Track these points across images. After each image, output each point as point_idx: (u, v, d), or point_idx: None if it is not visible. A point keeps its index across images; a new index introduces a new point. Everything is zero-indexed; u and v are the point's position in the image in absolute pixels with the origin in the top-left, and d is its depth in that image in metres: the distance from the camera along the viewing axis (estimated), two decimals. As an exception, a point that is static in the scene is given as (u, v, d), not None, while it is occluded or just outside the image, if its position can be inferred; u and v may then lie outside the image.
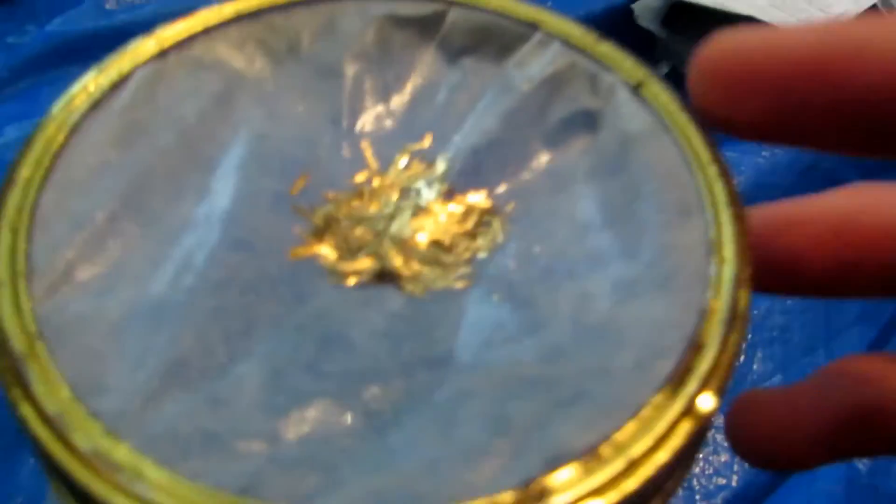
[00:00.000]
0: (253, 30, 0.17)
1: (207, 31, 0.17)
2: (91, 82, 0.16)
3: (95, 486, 0.11)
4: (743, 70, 0.11)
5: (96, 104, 0.15)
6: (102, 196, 0.14)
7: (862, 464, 0.37)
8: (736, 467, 0.38)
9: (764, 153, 0.46)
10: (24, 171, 0.14)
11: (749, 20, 0.45)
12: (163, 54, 0.17)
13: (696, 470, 0.38)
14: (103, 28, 0.52)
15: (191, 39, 0.17)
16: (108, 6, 0.53)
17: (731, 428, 0.17)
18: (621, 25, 0.51)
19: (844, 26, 0.11)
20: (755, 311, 0.40)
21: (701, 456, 0.38)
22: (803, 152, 0.44)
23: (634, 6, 0.52)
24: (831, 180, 0.48)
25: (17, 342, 0.12)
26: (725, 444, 0.38)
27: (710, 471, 0.38)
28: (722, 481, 0.38)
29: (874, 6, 0.49)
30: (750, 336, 0.40)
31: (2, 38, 0.54)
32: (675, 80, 0.17)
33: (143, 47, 0.17)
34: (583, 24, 0.18)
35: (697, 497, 0.37)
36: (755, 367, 0.41)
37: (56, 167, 0.14)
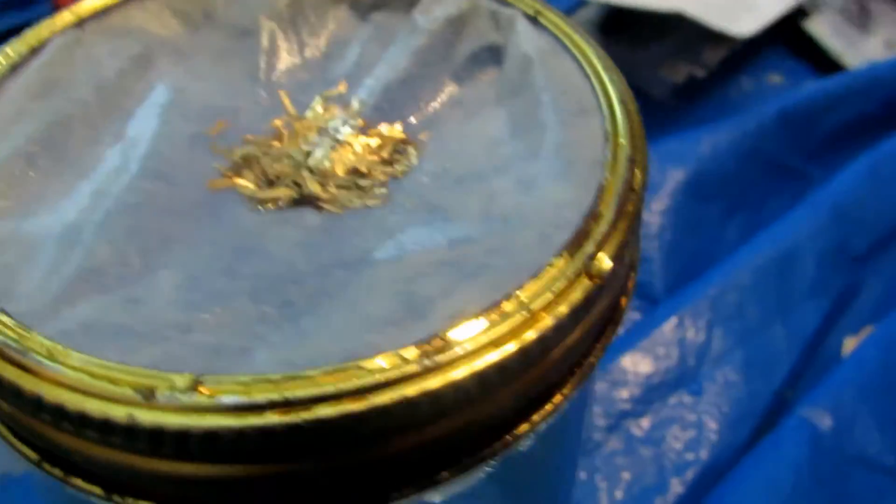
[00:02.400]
0: (169, 0, 0.18)
1: (125, 3, 0.18)
2: (9, 48, 0.16)
3: (6, 371, 0.11)
4: None
5: (14, 67, 0.16)
6: (22, 139, 0.15)
7: (825, 426, 0.37)
8: (704, 441, 0.39)
9: (705, 141, 0.47)
10: (-57, 123, 0.15)
11: (677, 18, 0.47)
12: (80, 24, 0.17)
13: (665, 446, 0.38)
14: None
15: (108, 10, 0.18)
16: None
17: None
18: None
19: None
20: (709, 292, 0.41)
21: (669, 432, 0.38)
22: (744, 138, 0.46)
23: (572, 17, 0.53)
24: (774, 165, 0.49)
25: (-69, 259, 0.12)
26: (692, 419, 0.38)
27: (680, 446, 0.38)
28: (691, 456, 0.38)
29: (800, 3, 0.52)
30: (707, 316, 0.41)
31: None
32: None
33: (61, 19, 0.17)
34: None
35: (668, 472, 0.37)
36: (714, 344, 0.41)
37: (-26, 118, 0.15)
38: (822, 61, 0.52)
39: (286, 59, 0.18)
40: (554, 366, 0.12)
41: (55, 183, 0.14)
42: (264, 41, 0.18)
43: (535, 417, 0.13)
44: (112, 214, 0.14)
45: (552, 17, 0.17)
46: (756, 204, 0.47)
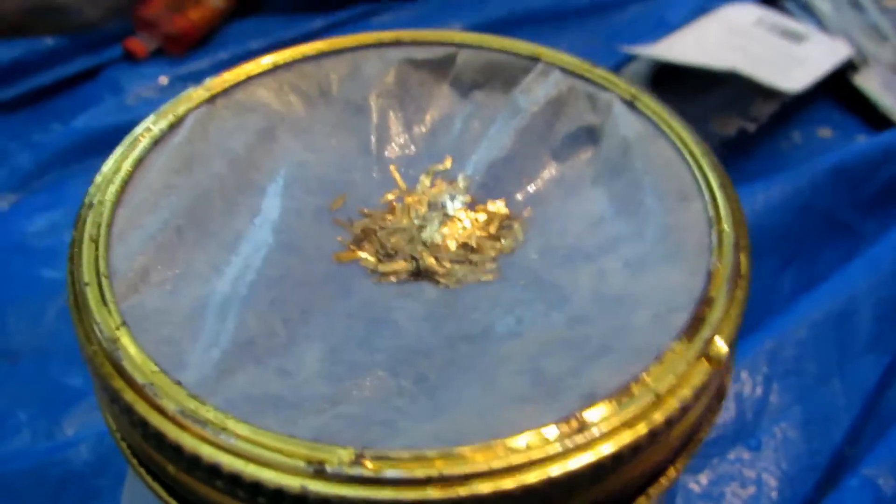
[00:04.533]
0: (288, 77, 0.20)
1: (249, 80, 0.19)
2: (151, 124, 0.18)
3: (185, 440, 0.12)
4: None
5: (157, 141, 0.18)
6: (169, 213, 0.16)
7: (890, 487, 0.37)
8: (763, 499, 0.39)
9: (759, 195, 0.48)
10: (99, 196, 0.16)
11: (732, 75, 0.48)
12: (211, 100, 0.19)
13: (725, 503, 0.38)
14: (124, 123, 0.54)
15: (235, 87, 0.19)
16: (128, 102, 0.56)
17: None
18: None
19: None
20: (765, 346, 0.41)
21: (728, 488, 0.38)
22: (798, 192, 0.46)
23: (623, 72, 0.55)
24: (827, 219, 0.50)
25: (106, 329, 0.13)
26: (751, 476, 0.38)
27: (739, 503, 0.38)
28: (750, 512, 0.38)
29: (850, 58, 0.52)
30: (764, 370, 0.41)
31: (28, 137, 0.57)
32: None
33: (195, 94, 0.19)
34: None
35: (728, 528, 0.37)
36: (772, 399, 0.41)
37: (127, 191, 0.16)
38: (871, 116, 0.53)
39: (395, 135, 0.20)
40: (675, 444, 0.13)
41: (200, 254, 0.16)
42: (374, 117, 0.20)
43: (652, 491, 0.14)
44: (256, 287, 0.15)
45: (649, 102, 0.18)
46: (810, 258, 0.47)
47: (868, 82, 0.53)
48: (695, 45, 0.54)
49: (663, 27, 0.58)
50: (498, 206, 0.18)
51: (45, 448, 0.34)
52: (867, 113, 0.52)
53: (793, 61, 0.53)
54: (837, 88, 0.53)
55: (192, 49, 0.57)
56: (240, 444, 0.12)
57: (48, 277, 0.42)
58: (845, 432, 0.41)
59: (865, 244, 0.47)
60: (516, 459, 0.12)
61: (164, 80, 0.55)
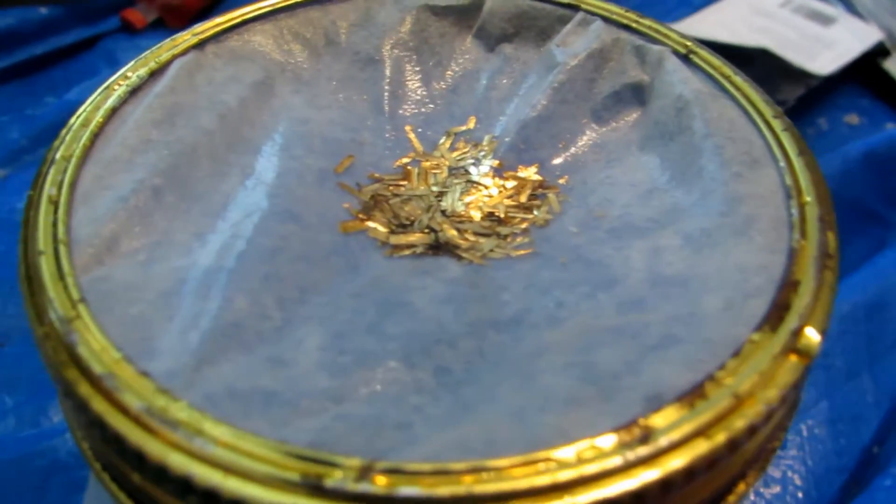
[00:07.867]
0: (289, 23, 0.17)
1: (244, 24, 0.17)
2: (129, 71, 0.15)
3: (149, 445, 0.10)
4: None
5: (135, 90, 0.15)
6: (145, 171, 0.13)
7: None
8: (789, 498, 0.36)
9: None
10: (63, 150, 0.14)
11: (756, 56, 0.45)
12: (200, 45, 0.16)
13: (748, 503, 0.36)
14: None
15: (227, 32, 0.17)
16: (124, 75, 0.53)
17: None
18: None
19: None
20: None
21: (754, 488, 0.36)
22: (827, 180, 0.44)
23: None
24: (856, 208, 0.47)
25: (61, 307, 0.11)
26: (776, 475, 0.36)
27: (763, 503, 0.36)
28: (778, 516, 0.36)
29: (881, 43, 0.50)
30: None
31: (21, 110, 0.54)
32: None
33: (180, 40, 0.16)
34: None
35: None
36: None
37: (96, 146, 0.14)
38: (900, 103, 0.50)
39: (410, 91, 0.17)
40: (752, 454, 0.11)
41: (182, 220, 0.13)
42: (388, 71, 0.17)
43: (719, 511, 0.11)
44: (246, 260, 0.12)
45: (707, 56, 0.16)
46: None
47: (899, 68, 0.51)
48: (719, 25, 0.52)
49: (686, 6, 0.56)
50: (529, 173, 0.16)
51: (30, 436, 0.32)
52: (895, 100, 0.50)
53: (820, 44, 0.51)
54: (866, 74, 0.51)
55: (192, 21, 0.55)
56: (218, 451, 0.09)
57: (36, 256, 0.39)
58: (873, 431, 0.39)
59: (894, 236, 0.44)
60: (565, 476, 0.09)
61: (161, 51, 0.53)
